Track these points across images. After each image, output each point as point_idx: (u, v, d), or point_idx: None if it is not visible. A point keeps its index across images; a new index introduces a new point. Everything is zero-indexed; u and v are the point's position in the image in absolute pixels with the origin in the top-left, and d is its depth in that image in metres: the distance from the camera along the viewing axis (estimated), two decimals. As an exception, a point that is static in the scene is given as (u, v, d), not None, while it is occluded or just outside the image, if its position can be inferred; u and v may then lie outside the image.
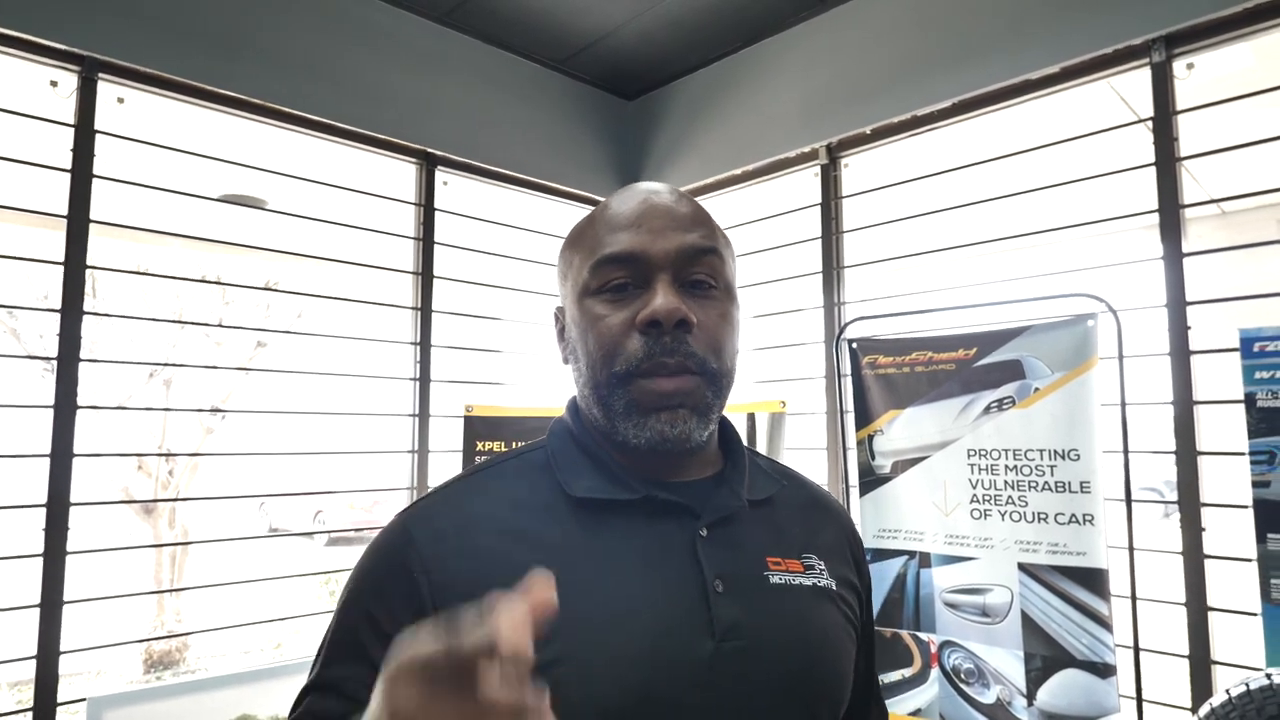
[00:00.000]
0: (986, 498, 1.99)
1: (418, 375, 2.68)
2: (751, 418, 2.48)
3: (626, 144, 3.34)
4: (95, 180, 2.10)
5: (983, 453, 2.00)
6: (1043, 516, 1.89)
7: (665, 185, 0.76)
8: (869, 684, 0.83)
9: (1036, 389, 1.89)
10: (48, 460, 1.93)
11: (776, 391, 2.57)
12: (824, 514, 0.81)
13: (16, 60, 2.05)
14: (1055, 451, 1.87)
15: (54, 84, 2.15)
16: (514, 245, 3.01)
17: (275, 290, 2.61)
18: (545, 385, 3.04)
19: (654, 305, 0.66)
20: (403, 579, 0.64)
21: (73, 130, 2.09)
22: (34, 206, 2.10)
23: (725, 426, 0.79)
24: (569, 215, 3.21)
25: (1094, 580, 1.81)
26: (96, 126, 2.12)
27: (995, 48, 2.20)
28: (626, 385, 0.67)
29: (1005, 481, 1.96)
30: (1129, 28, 1.96)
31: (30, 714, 1.86)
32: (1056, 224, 2.21)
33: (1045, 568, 1.88)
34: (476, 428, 2.58)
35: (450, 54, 2.81)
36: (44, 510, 1.91)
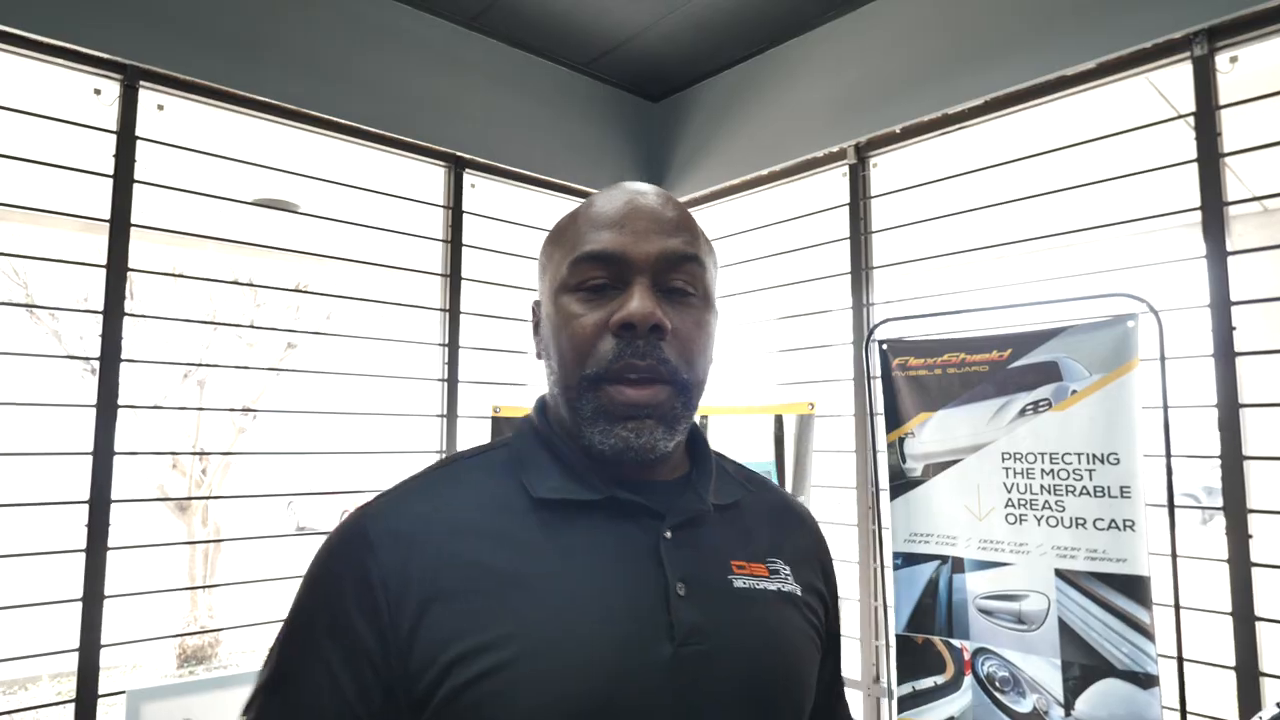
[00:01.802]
0: (1022, 502, 1.95)
1: (445, 376, 2.70)
2: (779, 420, 2.47)
3: (652, 146, 3.34)
4: (136, 185, 2.14)
5: (1018, 456, 1.96)
6: (1080, 522, 1.85)
7: (652, 187, 0.74)
8: (836, 691, 0.83)
9: (1074, 391, 1.86)
10: (90, 458, 1.97)
11: (804, 393, 2.54)
12: (792, 520, 0.81)
13: (63, 70, 2.10)
14: (1094, 455, 1.82)
15: (97, 92, 2.20)
16: (539, 247, 3.02)
17: (305, 292, 2.65)
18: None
19: (629, 308, 0.65)
20: (360, 584, 0.62)
21: (115, 136, 2.14)
22: (78, 211, 2.15)
23: (693, 431, 0.78)
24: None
25: (1135, 587, 1.77)
26: (137, 133, 2.17)
27: (1029, 44, 2.16)
28: (595, 390, 0.67)
29: (1041, 485, 1.92)
30: (1169, 21, 1.92)
31: (73, 705, 1.90)
32: (1094, 223, 2.16)
33: (1084, 574, 1.84)
34: (503, 428, 2.59)
35: (477, 58, 2.83)
36: (86, 507, 1.95)
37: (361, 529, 0.66)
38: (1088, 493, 1.84)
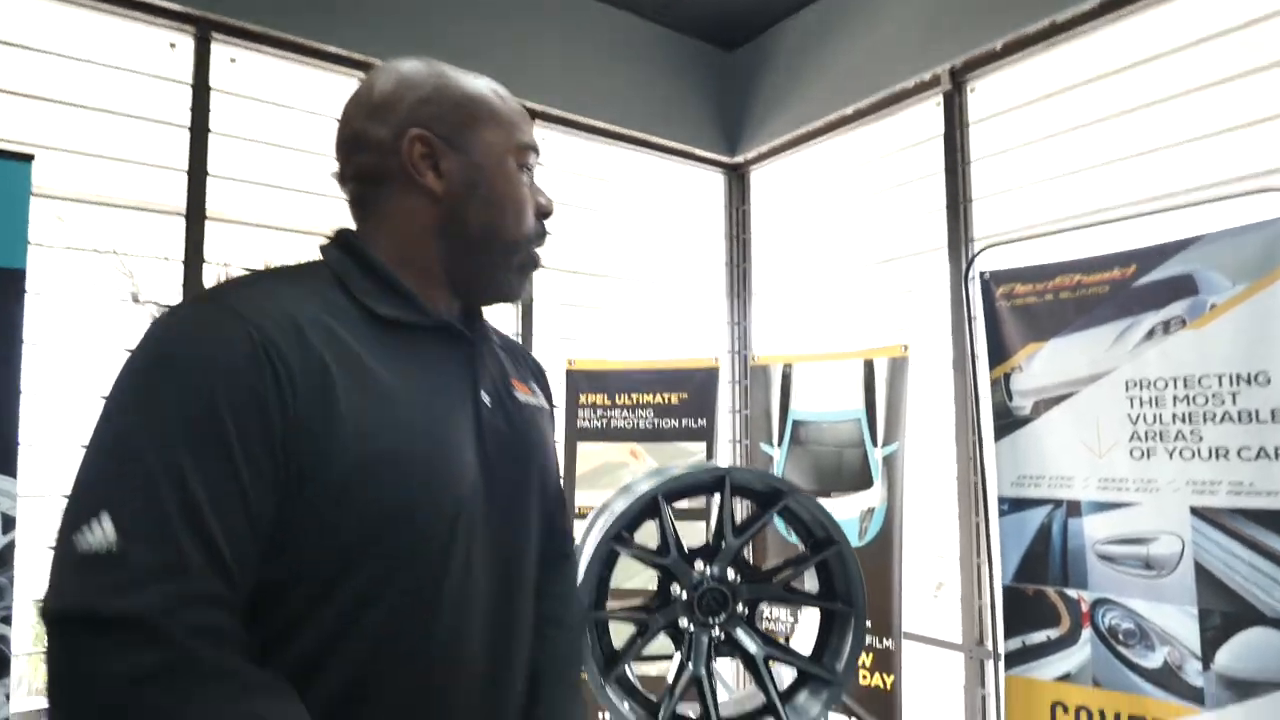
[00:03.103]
0: (1150, 434, 1.76)
1: (519, 331, 2.65)
2: (869, 365, 2.32)
3: (727, 95, 3.21)
4: (210, 135, 2.15)
5: (1145, 384, 1.77)
6: (1222, 452, 1.65)
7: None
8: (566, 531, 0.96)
9: (1213, 305, 1.65)
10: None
11: (897, 338, 2.38)
12: (530, 359, 0.97)
13: (139, 24, 2.12)
14: (1238, 376, 1.62)
15: (173, 46, 2.22)
16: (609, 201, 2.94)
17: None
18: (645, 340, 2.96)
19: (550, 203, 0.85)
20: (252, 361, 0.62)
21: (190, 89, 2.15)
22: (154, 161, 2.17)
23: None
24: (669, 170, 3.11)
25: (1288, 524, 1.56)
26: (211, 84, 2.18)
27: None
28: (527, 249, 0.83)
29: (1174, 415, 1.72)
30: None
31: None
32: (1230, 123, 1.93)
33: (1225, 511, 1.64)
34: (579, 381, 2.53)
35: (547, 7, 2.76)
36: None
37: (234, 312, 0.65)
38: (1231, 419, 1.63)
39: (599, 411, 2.46)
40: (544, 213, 0.84)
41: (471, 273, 0.79)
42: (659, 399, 2.45)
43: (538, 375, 0.94)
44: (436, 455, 0.69)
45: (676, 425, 2.43)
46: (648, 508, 1.21)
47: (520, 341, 2.62)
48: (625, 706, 1.19)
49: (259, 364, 0.62)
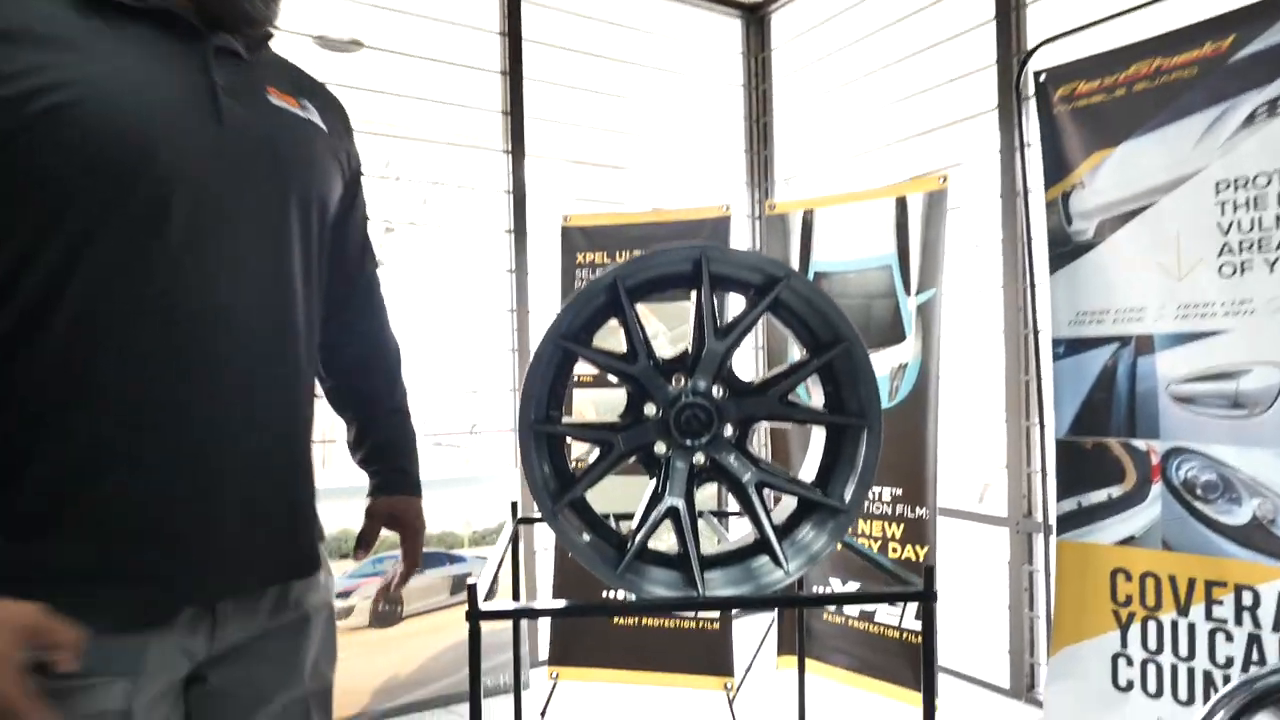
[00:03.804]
0: (1245, 245, 1.45)
1: (511, 188, 2.40)
2: (902, 203, 2.01)
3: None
4: None
5: (1241, 182, 1.44)
6: (1340, 255, 1.34)
7: None
8: (367, 248, 0.96)
9: (1338, 67, 1.31)
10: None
11: (939, 158, 2.05)
12: (324, 92, 0.89)
13: None
14: (1367, 154, 1.29)
15: None
16: (615, 51, 2.62)
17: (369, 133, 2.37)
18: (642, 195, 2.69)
19: None
20: None
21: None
22: None
23: None
24: (680, 18, 2.76)
25: None
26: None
27: None
28: None
29: (1277, 217, 1.40)
30: None
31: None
32: None
33: (1341, 328, 1.34)
34: (575, 239, 2.27)
35: None
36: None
37: None
38: (1355, 210, 1.31)
39: (598, 272, 2.21)
40: None
41: None
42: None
43: (326, 103, 0.87)
44: (143, 117, 0.66)
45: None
46: (606, 304, 0.97)
47: (515, 193, 2.38)
48: (584, 539, 0.99)
49: None
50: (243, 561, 0.71)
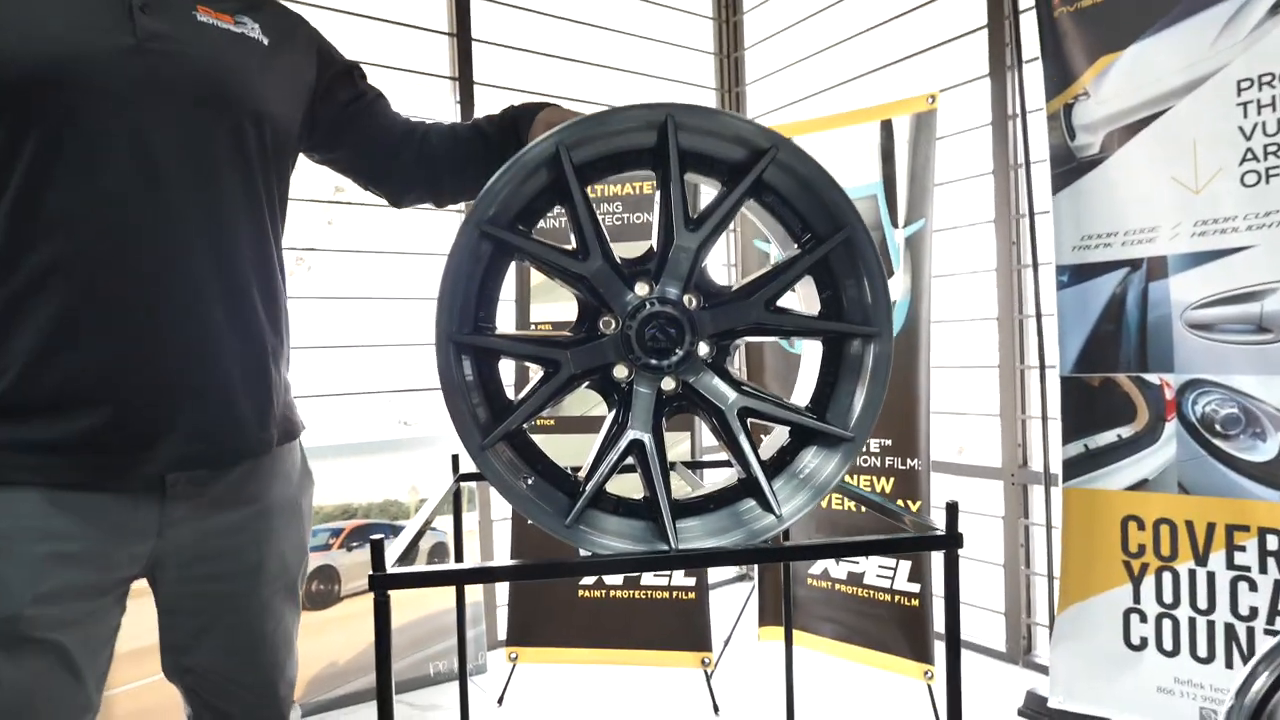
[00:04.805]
0: (1272, 149, 1.30)
1: (461, 114, 2.19)
2: (887, 126, 1.83)
3: None
4: None
5: (1267, 80, 1.29)
6: (1385, 149, 1.19)
7: None
8: (368, 99, 0.96)
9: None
10: None
11: (920, 87, 1.87)
12: (280, 13, 0.88)
13: None
14: None
15: None
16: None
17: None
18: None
19: None
20: None
21: None
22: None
23: None
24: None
25: None
26: None
27: None
28: None
29: (1309, 113, 1.26)
30: None
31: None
32: None
33: (1384, 233, 1.20)
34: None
35: None
36: None
37: None
38: (1404, 96, 1.17)
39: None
40: None
41: None
42: (628, 189, 2.00)
43: (276, 19, 0.86)
44: (53, 38, 0.69)
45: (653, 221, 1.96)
46: (548, 186, 0.78)
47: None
48: (525, 484, 0.80)
49: None
50: (190, 435, 0.75)
